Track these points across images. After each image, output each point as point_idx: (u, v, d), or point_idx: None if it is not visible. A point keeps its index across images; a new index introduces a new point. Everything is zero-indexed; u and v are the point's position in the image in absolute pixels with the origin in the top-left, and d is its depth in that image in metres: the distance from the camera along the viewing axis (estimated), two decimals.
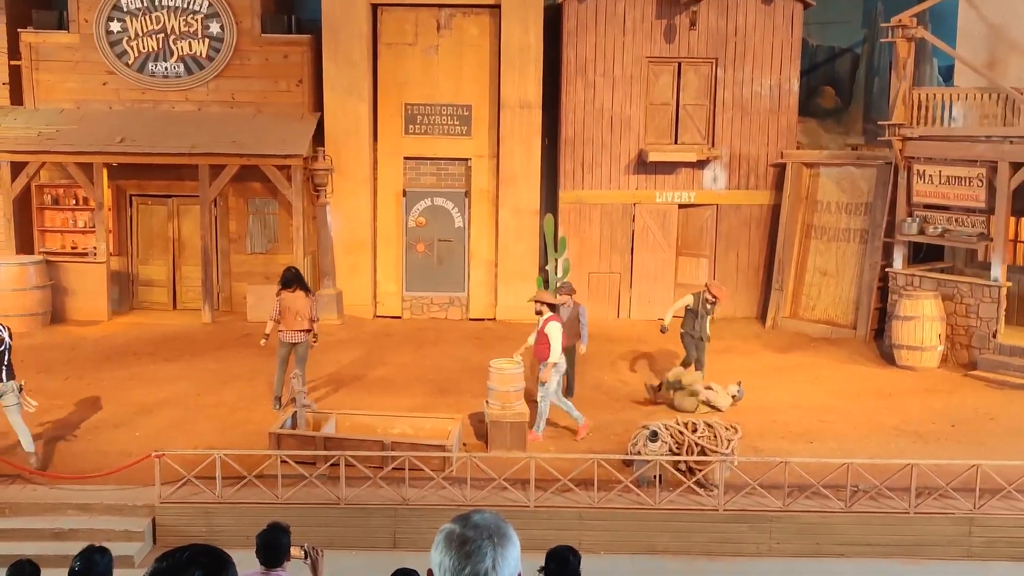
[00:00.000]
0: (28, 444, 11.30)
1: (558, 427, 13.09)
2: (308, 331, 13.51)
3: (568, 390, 13.82)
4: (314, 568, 5.73)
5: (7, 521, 10.58)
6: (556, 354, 12.45)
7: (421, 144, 19.24)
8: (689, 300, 14.46)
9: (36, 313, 17.88)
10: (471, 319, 19.25)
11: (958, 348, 16.19)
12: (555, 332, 12.47)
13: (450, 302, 19.49)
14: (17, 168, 18.18)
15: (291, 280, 13.58)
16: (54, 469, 11.35)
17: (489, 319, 19.16)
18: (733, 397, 13.81)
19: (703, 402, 13.61)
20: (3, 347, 10.98)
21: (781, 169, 19.22)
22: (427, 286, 19.44)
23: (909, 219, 16.88)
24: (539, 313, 12.81)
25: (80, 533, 10.19)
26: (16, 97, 19.00)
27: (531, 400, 12.95)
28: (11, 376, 11.15)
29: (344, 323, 18.62)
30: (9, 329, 11.25)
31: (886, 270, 17.42)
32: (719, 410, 13.49)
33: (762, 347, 17.49)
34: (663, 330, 14.81)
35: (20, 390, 11.23)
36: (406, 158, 19.32)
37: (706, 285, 14.65)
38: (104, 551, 5.63)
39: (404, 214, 19.42)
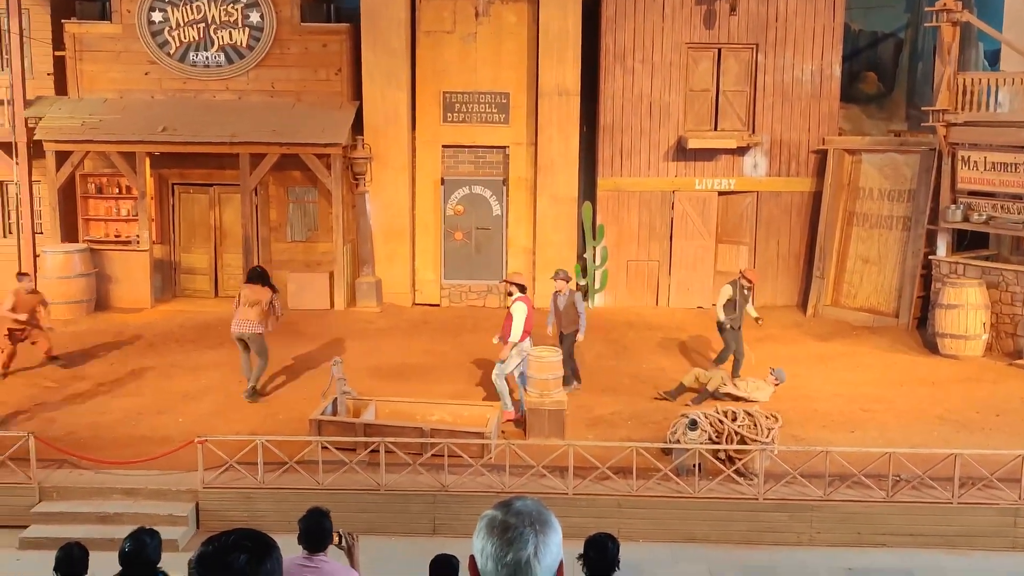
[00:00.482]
0: None
1: (593, 414, 13.09)
2: (259, 327, 13.35)
3: (569, 378, 13.48)
4: (350, 554, 5.76)
5: (55, 505, 10.77)
6: (517, 334, 12.49)
7: (459, 132, 19.25)
8: (729, 291, 14.34)
9: (81, 300, 18.14)
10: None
11: (1003, 337, 15.97)
12: (519, 313, 12.55)
13: (488, 290, 19.51)
14: (62, 157, 18.43)
15: (255, 277, 13.67)
16: (99, 454, 11.51)
17: None
18: (775, 382, 13.64)
19: (733, 398, 13.33)
20: None
21: (822, 156, 19.02)
22: (465, 274, 19.48)
23: (953, 206, 16.65)
24: (509, 294, 12.94)
25: (125, 517, 10.35)
26: (60, 87, 19.26)
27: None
28: None
29: (383, 311, 18.72)
30: None
31: (929, 258, 17.21)
32: (758, 403, 13.36)
33: (803, 335, 17.36)
34: (758, 320, 14.67)
35: None
36: (444, 146, 19.35)
37: (740, 272, 14.54)
38: (154, 533, 5.71)
39: (442, 202, 19.46)
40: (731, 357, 14.39)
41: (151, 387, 14.12)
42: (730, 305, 14.25)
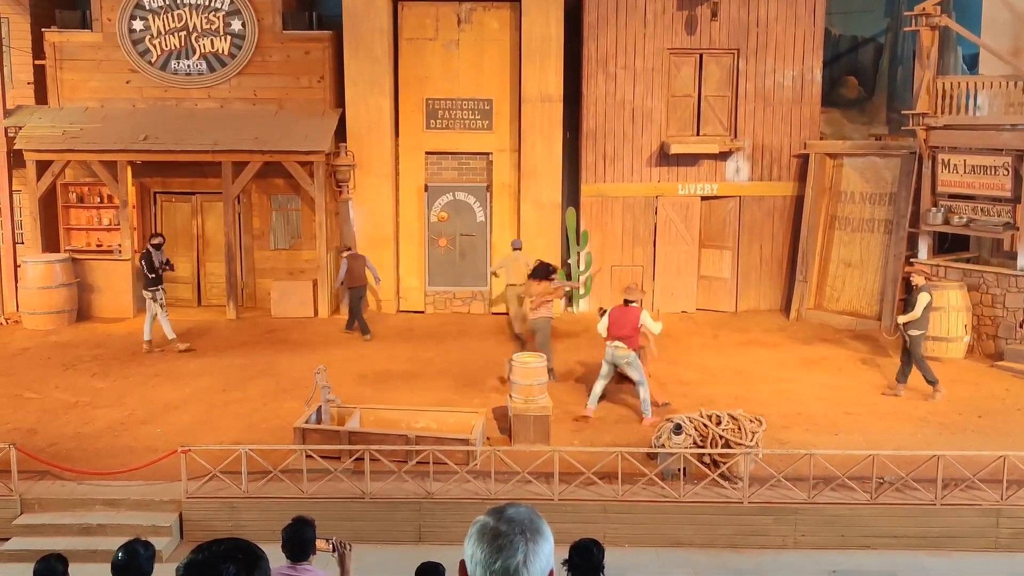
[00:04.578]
0: None
1: (579, 419, 13.10)
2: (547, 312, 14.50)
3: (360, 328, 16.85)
4: (341, 562, 5.74)
5: (37, 516, 10.69)
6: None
7: (442, 139, 19.26)
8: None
9: (62, 311, 18.05)
10: (494, 313, 19.26)
11: (984, 339, 16.08)
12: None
13: (473, 296, 19.52)
14: (43, 167, 18.33)
15: (539, 272, 14.76)
16: (81, 465, 11.45)
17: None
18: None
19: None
20: None
21: (804, 160, 19.11)
22: (450, 281, 19.47)
23: (934, 209, 16.75)
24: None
25: (108, 528, 10.30)
26: (41, 96, 19.16)
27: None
28: None
29: (368, 318, 18.66)
30: None
31: (911, 261, 17.29)
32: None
33: (786, 339, 17.42)
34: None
35: None
36: (427, 153, 19.35)
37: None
38: (147, 544, 5.67)
39: (426, 209, 19.46)
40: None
41: (134, 397, 14.05)
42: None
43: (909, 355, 14.07)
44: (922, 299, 13.83)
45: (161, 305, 16.12)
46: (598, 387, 13.25)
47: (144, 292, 16.17)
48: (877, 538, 10.56)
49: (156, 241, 16.49)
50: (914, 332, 13.94)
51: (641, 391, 13.05)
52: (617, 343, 12.93)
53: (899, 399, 14.00)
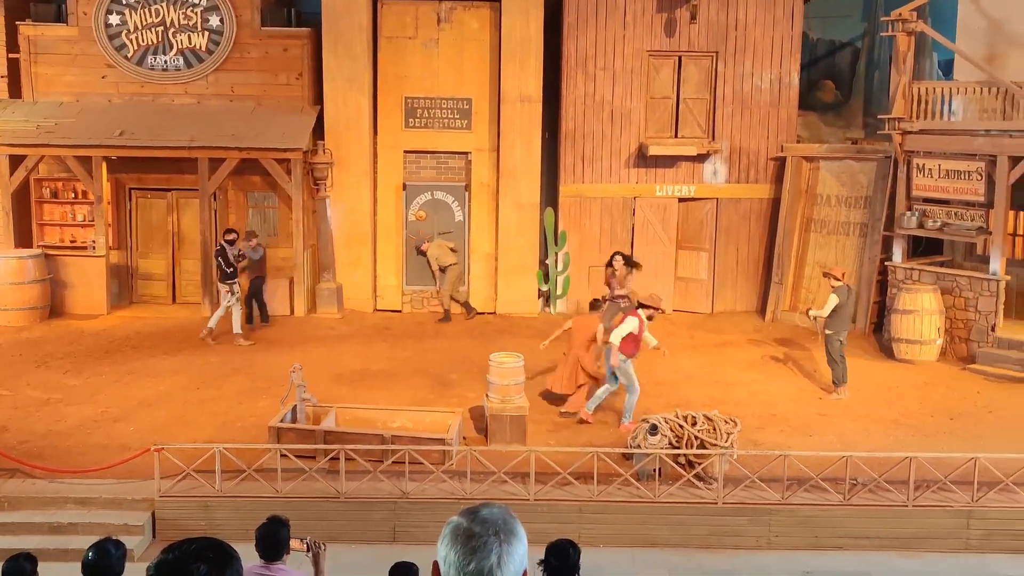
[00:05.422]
0: None
1: (555, 419, 13.11)
2: None
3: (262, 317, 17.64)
4: (316, 562, 5.72)
5: (6, 515, 10.59)
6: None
7: (421, 138, 19.22)
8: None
9: (35, 307, 17.88)
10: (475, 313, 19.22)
11: (957, 342, 16.21)
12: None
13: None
14: (16, 161, 18.15)
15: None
16: (53, 463, 11.35)
17: (489, 313, 19.15)
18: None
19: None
20: None
21: (781, 163, 19.20)
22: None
23: (908, 213, 16.87)
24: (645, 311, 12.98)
25: (79, 527, 10.22)
26: (15, 90, 18.98)
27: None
28: None
29: (344, 317, 18.63)
30: None
31: (885, 264, 17.43)
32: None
33: (762, 340, 17.50)
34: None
35: None
36: (406, 152, 19.30)
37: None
38: (119, 544, 5.62)
39: (404, 208, 19.41)
40: None
41: (107, 395, 13.95)
42: None
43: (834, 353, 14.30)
44: (831, 300, 14.06)
45: (238, 298, 16.72)
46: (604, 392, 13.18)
47: (221, 285, 16.77)
48: (850, 539, 10.63)
49: (230, 237, 16.99)
50: (828, 331, 14.19)
51: (629, 398, 13.00)
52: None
53: (875, 402, 14.09)
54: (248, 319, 17.52)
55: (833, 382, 14.34)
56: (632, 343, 12.75)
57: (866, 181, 18.20)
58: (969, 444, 12.13)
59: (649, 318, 12.98)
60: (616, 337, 12.65)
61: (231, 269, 16.66)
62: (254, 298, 17.88)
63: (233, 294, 16.66)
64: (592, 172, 19.22)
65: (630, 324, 12.74)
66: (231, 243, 16.88)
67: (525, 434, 12.13)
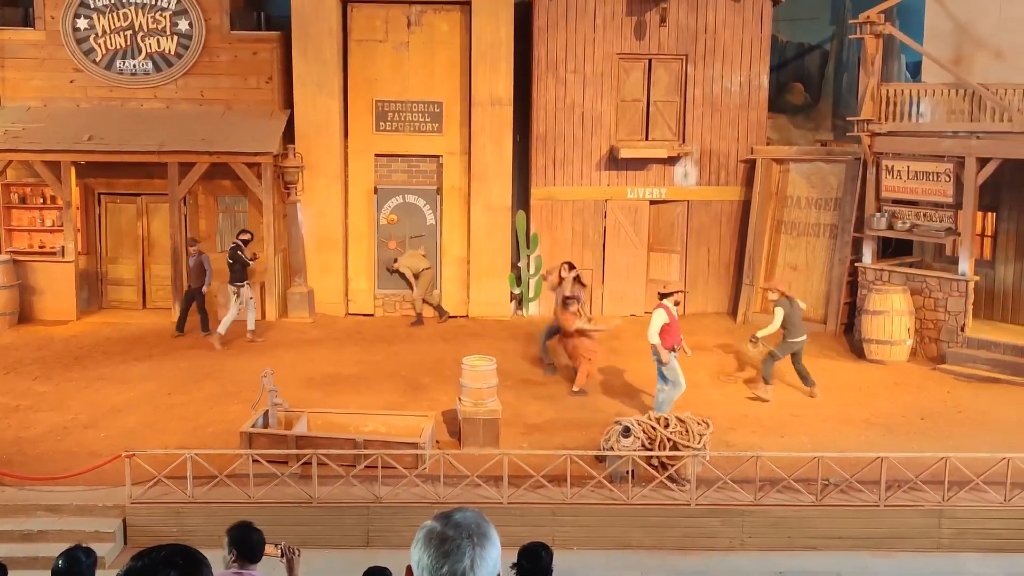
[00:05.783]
0: None
1: (528, 422, 13.11)
2: None
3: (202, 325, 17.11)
4: (290, 567, 5.69)
5: None
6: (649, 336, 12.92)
7: (392, 141, 19.18)
8: None
9: (3, 313, 17.70)
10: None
11: (927, 342, 16.35)
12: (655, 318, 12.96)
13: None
14: None
15: None
16: (23, 471, 11.23)
17: (462, 316, 19.13)
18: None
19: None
20: None
21: (751, 165, 19.31)
22: (399, 284, 19.38)
23: (878, 214, 17.02)
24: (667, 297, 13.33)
25: (50, 535, 10.11)
26: None
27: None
28: None
29: (315, 321, 18.56)
30: None
31: (855, 265, 17.56)
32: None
33: (734, 341, 17.56)
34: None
35: None
36: (377, 155, 19.25)
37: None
38: (89, 551, 5.57)
39: (375, 211, 19.36)
40: None
41: (77, 401, 13.82)
42: None
43: (797, 357, 14.44)
44: (778, 313, 14.14)
45: (250, 297, 17.02)
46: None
47: (233, 285, 16.85)
48: (822, 539, 10.70)
49: (244, 237, 17.21)
50: (793, 340, 14.29)
51: (669, 391, 13.11)
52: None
53: (846, 402, 14.19)
54: (180, 326, 17.39)
55: (764, 377, 14.37)
56: (670, 334, 12.91)
57: (836, 183, 18.35)
58: (940, 444, 12.23)
59: (676, 303, 13.30)
60: (654, 335, 12.84)
61: (246, 268, 16.91)
62: (196, 304, 17.37)
63: (239, 296, 16.78)
64: (563, 175, 19.25)
65: (659, 317, 12.92)
66: (246, 243, 17.06)
67: (498, 437, 12.13)
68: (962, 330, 15.90)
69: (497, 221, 19.10)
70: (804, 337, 14.41)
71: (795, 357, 14.43)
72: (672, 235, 19.63)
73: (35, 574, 8.19)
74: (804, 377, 14.52)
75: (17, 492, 10.86)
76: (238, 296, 16.81)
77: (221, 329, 16.61)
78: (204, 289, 17.10)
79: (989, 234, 17.03)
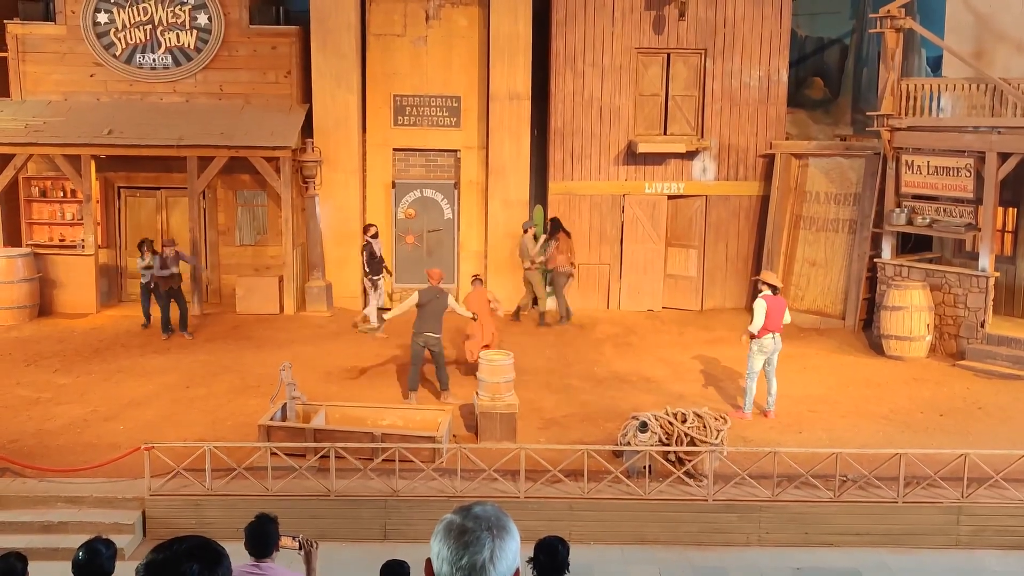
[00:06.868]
0: None
1: (545, 416, 13.12)
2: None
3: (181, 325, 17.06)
4: (308, 560, 5.72)
5: None
6: (753, 327, 13.06)
7: (410, 135, 19.20)
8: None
9: (24, 306, 17.82)
10: None
11: (946, 338, 16.26)
12: (758, 308, 13.06)
13: None
14: (4, 160, 18.07)
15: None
16: (43, 462, 11.32)
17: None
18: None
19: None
20: None
21: (770, 160, 19.24)
22: (416, 278, 19.37)
23: (897, 209, 16.92)
24: (759, 291, 13.43)
25: (69, 526, 10.18)
26: (3, 89, 18.91)
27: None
28: None
29: (333, 315, 18.61)
30: None
31: (875, 260, 17.47)
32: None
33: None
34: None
35: None
36: (395, 149, 19.29)
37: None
38: (109, 543, 5.61)
39: (393, 206, 19.39)
40: None
41: (97, 393, 13.91)
42: None
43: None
44: (758, 305, 13.98)
45: (380, 292, 17.88)
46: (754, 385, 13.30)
47: (370, 279, 17.61)
48: (840, 536, 10.66)
49: (372, 231, 17.76)
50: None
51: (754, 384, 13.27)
52: (776, 334, 13.11)
53: (865, 398, 14.13)
54: (166, 326, 16.91)
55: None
56: (772, 319, 12.99)
57: (855, 178, 18.25)
58: (959, 440, 12.17)
59: (774, 291, 13.24)
60: (756, 327, 12.97)
61: (379, 264, 17.60)
62: (176, 302, 16.94)
63: (376, 288, 17.60)
64: (581, 169, 19.23)
65: (760, 307, 12.98)
66: (375, 237, 17.61)
67: (515, 432, 12.14)
68: (982, 326, 15.80)
69: (515, 215, 19.09)
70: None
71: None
72: (690, 230, 19.58)
73: (55, 565, 8.25)
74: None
75: (38, 484, 10.94)
76: (376, 288, 17.53)
77: (374, 321, 17.38)
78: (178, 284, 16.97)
79: (1010, 230, 16.91)
